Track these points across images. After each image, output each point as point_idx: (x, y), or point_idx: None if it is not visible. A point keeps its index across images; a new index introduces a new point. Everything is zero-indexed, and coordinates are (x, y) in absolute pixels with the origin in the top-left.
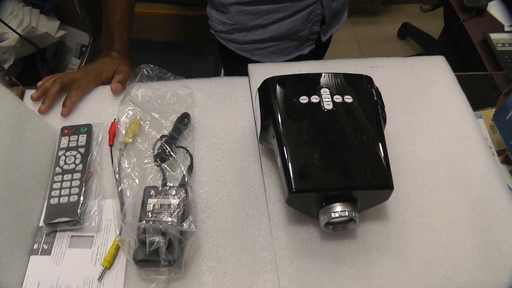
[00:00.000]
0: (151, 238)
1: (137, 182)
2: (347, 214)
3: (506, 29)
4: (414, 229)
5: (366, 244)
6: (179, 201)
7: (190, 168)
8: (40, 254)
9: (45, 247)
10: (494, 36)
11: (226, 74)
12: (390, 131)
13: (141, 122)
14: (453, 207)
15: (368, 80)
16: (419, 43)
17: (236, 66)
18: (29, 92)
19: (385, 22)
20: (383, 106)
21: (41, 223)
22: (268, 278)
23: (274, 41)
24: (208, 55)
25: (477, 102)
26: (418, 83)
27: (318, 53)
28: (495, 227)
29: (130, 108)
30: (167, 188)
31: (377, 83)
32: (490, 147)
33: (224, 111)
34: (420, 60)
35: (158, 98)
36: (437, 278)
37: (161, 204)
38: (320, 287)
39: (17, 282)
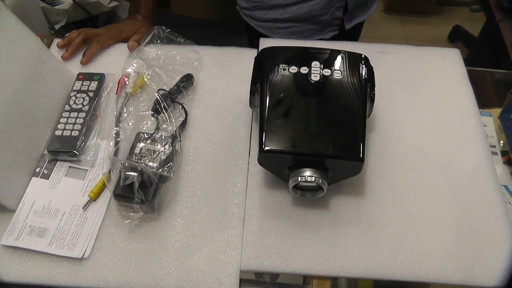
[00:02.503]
0: (126, 173)
1: (131, 127)
2: (313, 179)
3: None
4: (389, 210)
5: (337, 216)
6: (163, 149)
7: (184, 124)
8: (40, 177)
9: (46, 172)
10: None
11: None
12: (385, 114)
13: (145, 76)
14: (436, 195)
15: (364, 59)
16: (467, 47)
17: (258, 44)
18: (57, 41)
19: (438, 23)
20: (372, 86)
21: (45, 151)
22: (233, 232)
23: (294, 22)
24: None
25: (493, 100)
26: (425, 72)
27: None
28: (477, 221)
29: (135, 61)
30: (157, 136)
31: (383, 67)
32: (494, 146)
33: (227, 77)
34: (432, 51)
35: (166, 58)
36: (403, 259)
37: (147, 149)
38: (281, 249)
39: (17, 197)
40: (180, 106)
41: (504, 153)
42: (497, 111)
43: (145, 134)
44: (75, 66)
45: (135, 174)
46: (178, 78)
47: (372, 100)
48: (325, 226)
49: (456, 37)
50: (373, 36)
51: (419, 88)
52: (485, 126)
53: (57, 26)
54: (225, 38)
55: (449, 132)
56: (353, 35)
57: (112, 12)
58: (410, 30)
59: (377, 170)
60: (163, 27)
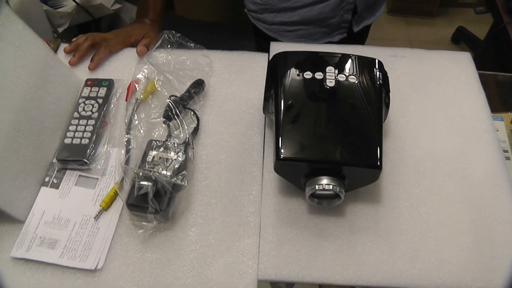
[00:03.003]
0: (140, 183)
1: (143, 134)
2: (331, 188)
3: None
4: (406, 217)
5: (353, 224)
6: (176, 156)
7: (196, 130)
8: (49, 187)
9: (55, 181)
10: None
11: None
12: (399, 119)
13: (156, 82)
14: (452, 201)
15: (379, 64)
16: (471, 49)
17: (266, 47)
18: (64, 46)
19: (441, 24)
20: (387, 91)
21: (54, 160)
22: (249, 242)
23: (302, 25)
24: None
25: (505, 104)
26: (437, 76)
27: (349, 44)
28: (494, 227)
29: (146, 67)
30: (169, 143)
31: (395, 72)
32: (507, 151)
33: (239, 82)
34: (444, 54)
35: (177, 63)
36: (421, 267)
37: (160, 157)
38: (298, 258)
39: (26, 207)
40: (192, 113)
41: None
42: (508, 115)
43: (157, 142)
44: (83, 72)
45: (149, 183)
46: (189, 84)
47: (387, 105)
48: (342, 234)
49: (460, 39)
50: (377, 37)
51: (431, 92)
52: (497, 130)
53: (60, 29)
54: (231, 40)
55: (462, 137)
56: (360, 38)
57: (115, 14)
58: (414, 32)
59: (392, 177)
60: (173, 32)
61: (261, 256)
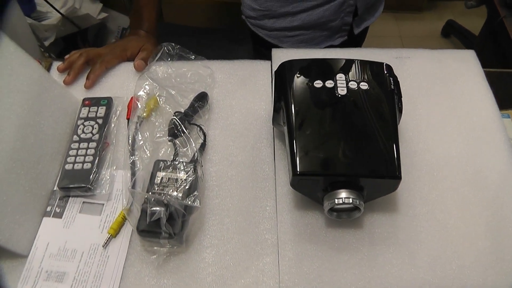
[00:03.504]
0: (153, 209)
1: (148, 155)
2: (351, 201)
3: None
4: (424, 224)
5: (372, 235)
6: (186, 176)
7: (203, 146)
8: (52, 217)
9: (58, 210)
10: None
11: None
12: (408, 123)
13: (158, 98)
14: (467, 205)
15: (388, 68)
16: (462, 42)
17: (266, 53)
18: (57, 64)
19: (430, 18)
20: (400, 96)
21: (56, 187)
22: (268, 260)
23: (303, 29)
24: (243, 43)
25: (508, 101)
26: (443, 76)
27: (350, 46)
28: (511, 229)
29: (147, 83)
30: (177, 163)
31: (401, 74)
32: None
33: (243, 93)
34: (448, 53)
35: (178, 77)
36: (443, 276)
37: (169, 178)
38: (320, 274)
39: (28, 240)
40: (198, 128)
41: None
42: None
43: (165, 162)
44: (79, 91)
45: (162, 208)
46: (192, 97)
47: (400, 110)
48: (362, 247)
49: (450, 32)
50: (368, 35)
51: (439, 93)
52: None
53: (46, 43)
54: (230, 46)
55: (473, 138)
56: (360, 39)
57: (102, 24)
58: (404, 27)
59: (407, 183)
60: (173, 44)
61: (281, 275)
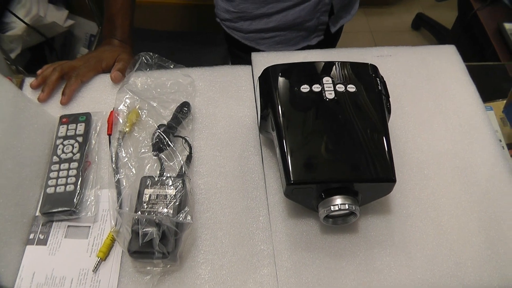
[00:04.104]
0: (144, 230)
1: (134, 172)
2: (347, 207)
3: None
4: (418, 224)
5: (368, 239)
6: (175, 192)
7: (189, 158)
8: (36, 244)
9: (41, 237)
10: (509, 26)
11: (233, 64)
12: (395, 122)
13: (139, 111)
14: (459, 201)
15: (373, 69)
16: (433, 34)
17: (242, 56)
18: (29, 80)
19: (399, 12)
20: (387, 96)
21: (38, 213)
22: (265, 272)
23: (279, 30)
24: (217, 45)
25: (488, 93)
26: (426, 73)
27: (327, 45)
28: (503, 222)
29: (127, 96)
30: (164, 178)
31: (384, 72)
32: (500, 140)
33: (225, 100)
34: (429, 49)
35: (158, 87)
36: (441, 274)
37: (157, 195)
38: (319, 282)
39: (12, 272)
40: (184, 140)
41: (510, 146)
42: (497, 104)
43: (152, 178)
44: (55, 108)
45: (154, 228)
46: (173, 108)
47: (389, 111)
48: (358, 251)
49: (420, 25)
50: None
51: (423, 90)
52: None
53: (12, 55)
54: (203, 50)
55: (460, 133)
56: (335, 38)
57: (69, 31)
58: (374, 21)
59: (399, 183)
60: (150, 53)
61: (280, 286)
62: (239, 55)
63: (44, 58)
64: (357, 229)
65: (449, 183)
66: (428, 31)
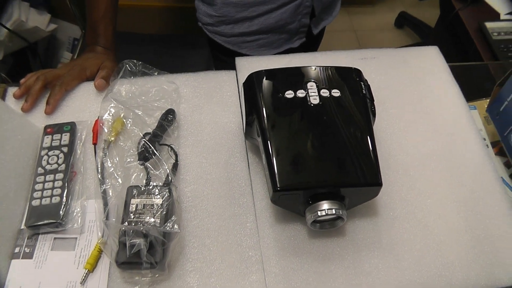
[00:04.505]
0: (132, 241)
1: (120, 182)
2: (334, 212)
3: (502, 17)
4: (405, 225)
5: (356, 242)
6: (162, 201)
7: (175, 166)
8: (21, 258)
9: (27, 250)
10: (490, 25)
11: (216, 67)
12: (380, 124)
13: (124, 120)
14: (445, 201)
15: (357, 73)
16: (416, 32)
17: (225, 59)
18: (12, 90)
19: (382, 11)
20: (372, 100)
21: (23, 226)
22: (254, 278)
23: (261, 33)
24: (200, 48)
25: (472, 92)
26: (410, 75)
27: (309, 46)
28: (489, 221)
29: (112, 105)
30: (151, 187)
31: (368, 75)
32: (485, 139)
33: (210, 106)
34: (412, 51)
35: (142, 95)
36: (429, 275)
37: (144, 204)
38: (308, 287)
39: None
40: (169, 148)
41: (494, 144)
42: (481, 103)
43: (138, 188)
44: (39, 118)
45: (141, 239)
46: (158, 115)
47: (374, 114)
48: (346, 255)
49: (403, 23)
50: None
51: (407, 91)
52: None
53: None
54: (186, 53)
55: (445, 134)
56: (317, 40)
57: (52, 36)
58: (357, 21)
59: (385, 186)
60: (134, 61)
61: None
62: (222, 58)
63: (27, 63)
64: (344, 232)
65: (435, 184)
66: (411, 29)
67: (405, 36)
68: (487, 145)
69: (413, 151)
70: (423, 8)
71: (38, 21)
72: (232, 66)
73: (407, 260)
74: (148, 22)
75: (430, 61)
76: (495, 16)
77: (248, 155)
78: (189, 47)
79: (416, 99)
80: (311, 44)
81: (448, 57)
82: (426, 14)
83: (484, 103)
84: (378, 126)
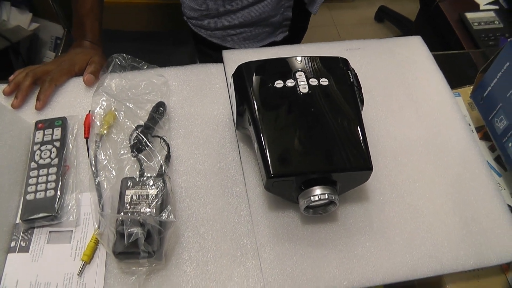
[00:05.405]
0: (129, 230)
1: (114, 174)
2: (326, 197)
3: (481, 7)
4: (395, 209)
5: (348, 226)
6: (157, 191)
7: (168, 158)
8: (18, 252)
9: (23, 244)
10: (470, 15)
11: (201, 61)
12: (368, 112)
13: (116, 113)
14: (433, 185)
15: (344, 62)
16: (396, 26)
17: (210, 53)
18: (1, 87)
19: (362, 6)
20: (360, 88)
21: (18, 220)
22: (250, 265)
23: (245, 27)
24: (184, 43)
25: (455, 80)
26: (395, 64)
27: (292, 40)
28: (475, 203)
29: (103, 99)
30: (145, 178)
31: (353, 65)
32: (469, 124)
33: (200, 99)
34: (396, 41)
35: (132, 88)
36: (419, 256)
37: (139, 195)
38: (302, 272)
39: None
40: (162, 140)
41: (478, 129)
42: (464, 89)
43: (132, 179)
44: (30, 114)
45: (139, 228)
46: (148, 108)
47: (362, 102)
48: (339, 239)
49: (383, 17)
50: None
51: (392, 80)
52: None
53: None
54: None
55: (431, 120)
56: (299, 33)
57: (34, 35)
58: (337, 16)
59: (375, 171)
60: (123, 55)
61: (265, 278)
62: (207, 52)
63: (10, 63)
64: (336, 218)
65: (423, 168)
66: (392, 23)
67: (385, 30)
68: (472, 130)
69: (400, 137)
70: (402, 2)
71: (20, 20)
72: (216, 60)
73: (398, 243)
74: (134, 19)
75: (414, 51)
76: (474, 7)
77: (239, 145)
78: (174, 43)
79: (401, 87)
80: (294, 38)
81: (431, 47)
82: (406, 8)
83: (468, 90)
84: (366, 114)
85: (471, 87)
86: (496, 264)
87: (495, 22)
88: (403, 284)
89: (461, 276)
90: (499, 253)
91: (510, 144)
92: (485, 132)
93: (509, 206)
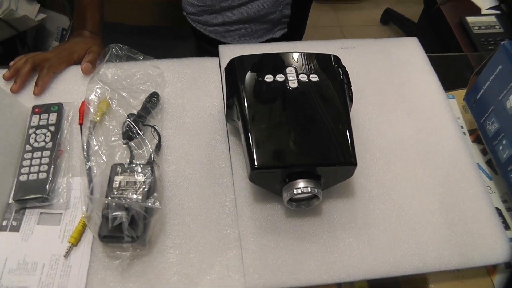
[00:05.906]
0: (114, 214)
1: (105, 160)
2: (309, 190)
3: (483, 12)
4: (380, 206)
5: (331, 221)
6: (144, 179)
7: (158, 147)
8: (8, 231)
9: (14, 223)
10: (470, 19)
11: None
12: (359, 110)
13: (110, 101)
14: (421, 184)
15: (336, 59)
16: (401, 29)
17: (209, 49)
18: (1, 72)
19: (368, 7)
20: (349, 85)
21: (11, 200)
22: (231, 255)
23: (243, 23)
24: (185, 39)
25: (452, 82)
26: (389, 64)
27: (292, 37)
28: (463, 204)
29: (98, 86)
30: (134, 165)
31: (348, 63)
32: (462, 127)
33: (193, 91)
34: (392, 42)
35: (128, 78)
36: (402, 253)
37: (127, 181)
38: (283, 264)
39: None
40: (153, 129)
41: (471, 132)
42: (459, 92)
43: (122, 166)
44: (27, 99)
45: (123, 212)
46: (142, 98)
47: (351, 99)
48: (322, 233)
49: (389, 20)
50: (308, 26)
51: (386, 80)
52: None
53: None
54: (172, 44)
55: (422, 120)
56: (298, 31)
57: (41, 25)
58: (343, 17)
59: (362, 168)
60: (120, 45)
61: (246, 268)
62: (206, 48)
63: (16, 51)
64: (321, 212)
65: (412, 168)
66: (397, 26)
67: (390, 32)
68: (464, 133)
69: (391, 136)
70: (407, 4)
71: (28, 10)
72: (215, 55)
73: (381, 239)
74: (136, 13)
75: (409, 51)
76: (476, 11)
77: (229, 138)
78: (175, 39)
79: (394, 87)
80: (293, 35)
81: (431, 49)
82: (411, 10)
83: (462, 92)
84: (357, 112)
85: (465, 90)
86: (480, 265)
87: (496, 26)
88: (387, 281)
89: (446, 276)
90: (483, 254)
91: (500, 147)
92: (477, 135)
93: (497, 209)
